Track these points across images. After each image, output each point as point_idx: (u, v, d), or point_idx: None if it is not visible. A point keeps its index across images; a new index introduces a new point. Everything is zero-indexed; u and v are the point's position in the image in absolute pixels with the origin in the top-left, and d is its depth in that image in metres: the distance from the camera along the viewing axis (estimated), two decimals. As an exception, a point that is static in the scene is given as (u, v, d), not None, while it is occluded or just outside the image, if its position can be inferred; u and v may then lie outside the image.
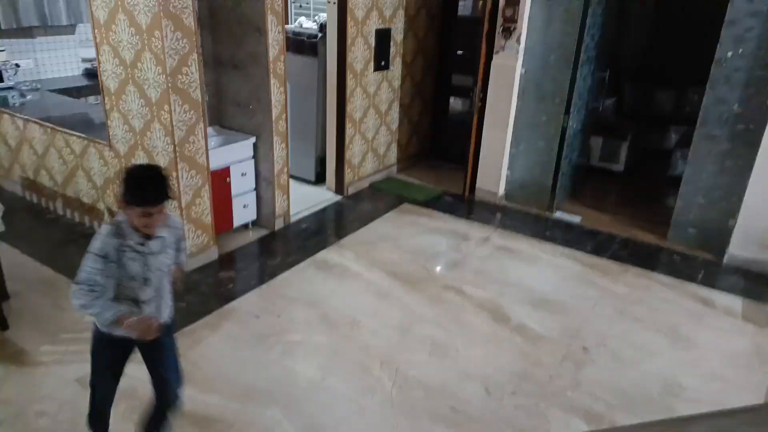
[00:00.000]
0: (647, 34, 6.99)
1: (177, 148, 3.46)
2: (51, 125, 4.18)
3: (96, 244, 1.85)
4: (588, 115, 5.18)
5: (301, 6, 5.65)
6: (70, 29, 5.51)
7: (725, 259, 4.17)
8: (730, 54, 3.85)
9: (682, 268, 4.13)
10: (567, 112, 4.64)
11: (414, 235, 4.48)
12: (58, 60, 5.53)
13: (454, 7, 5.78)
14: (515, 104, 4.81)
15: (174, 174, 3.51)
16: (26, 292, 3.42)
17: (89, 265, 1.84)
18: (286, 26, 4.09)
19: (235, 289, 3.61)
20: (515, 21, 4.51)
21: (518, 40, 4.57)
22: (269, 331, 3.19)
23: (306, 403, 2.67)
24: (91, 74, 5.59)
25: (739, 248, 4.11)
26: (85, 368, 2.76)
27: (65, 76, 5.58)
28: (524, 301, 3.61)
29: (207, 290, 3.59)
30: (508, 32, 4.57)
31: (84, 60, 5.69)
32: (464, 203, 5.18)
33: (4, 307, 3.12)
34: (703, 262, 4.23)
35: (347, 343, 3.14)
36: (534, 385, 2.87)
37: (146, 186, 1.80)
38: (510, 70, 4.69)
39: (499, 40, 4.65)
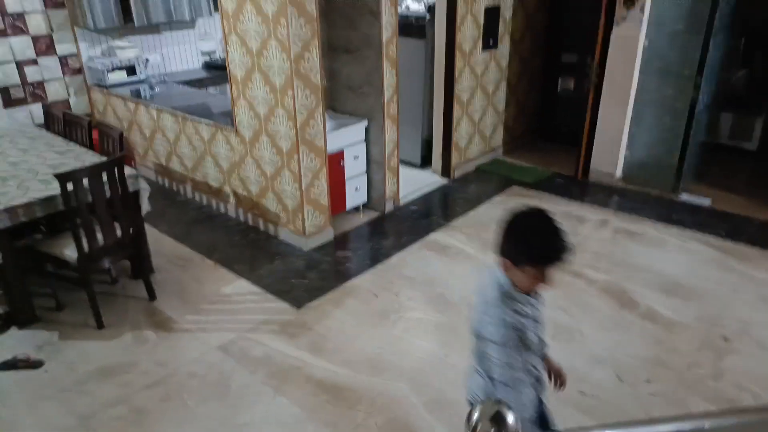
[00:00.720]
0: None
1: (299, 132, 3.60)
2: (182, 113, 4.51)
3: (495, 330, 1.49)
4: (718, 88, 4.75)
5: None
6: (190, 24, 5.90)
7: None
8: None
9: (837, 255, 3.70)
10: (696, 86, 4.28)
11: (526, 217, 4.36)
12: (180, 54, 5.94)
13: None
14: (636, 79, 4.51)
15: (296, 156, 3.66)
16: (168, 267, 3.73)
17: (500, 359, 1.48)
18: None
19: (353, 268, 3.72)
20: (640, -12, 4.22)
21: (642, 9, 4.27)
22: (389, 308, 3.26)
23: (432, 378, 2.71)
24: (210, 66, 5.96)
25: None
26: (225, 336, 3.00)
27: (187, 69, 5.99)
28: (653, 286, 3.41)
29: (327, 268, 3.73)
30: (631, 2, 4.29)
31: (203, 53, 6.07)
32: (577, 185, 4.97)
33: (151, 279, 3.44)
34: None
35: (466, 323, 3.12)
36: (671, 372, 2.71)
37: (557, 239, 1.45)
38: (632, 41, 4.40)
39: (620, 10, 4.37)
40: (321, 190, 3.91)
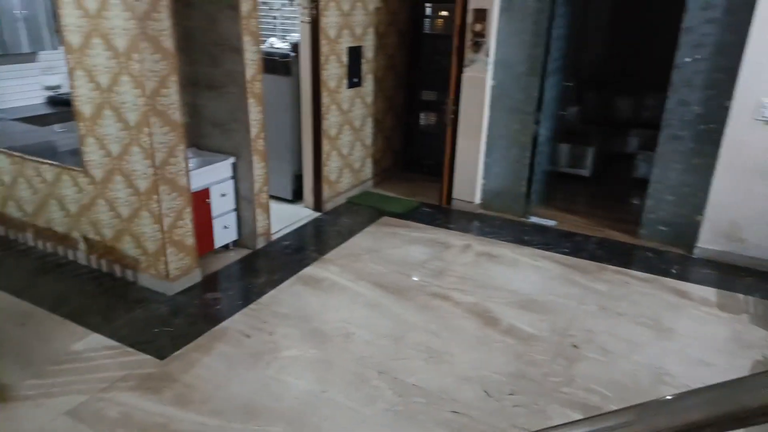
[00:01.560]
0: (604, 45, 7.32)
1: (158, 170, 3.42)
2: (20, 153, 4.06)
3: None
4: (556, 123, 5.37)
5: (274, 27, 5.70)
6: (30, 57, 5.39)
7: (695, 253, 4.37)
8: (688, 59, 4.08)
9: (657, 264, 4.29)
10: (537, 121, 4.80)
11: (396, 246, 4.52)
12: (19, 89, 5.39)
13: (421, 25, 5.93)
14: (487, 115, 4.95)
15: (155, 196, 3.46)
16: (3, 327, 3.28)
17: None
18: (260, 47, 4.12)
19: (223, 310, 3.56)
20: (484, 36, 4.67)
21: (487, 54, 4.72)
22: (263, 349, 3.15)
23: (309, 417, 2.65)
24: (56, 102, 5.47)
25: (707, 242, 4.31)
26: (75, 399, 2.68)
27: (27, 105, 5.43)
28: (511, 303, 3.69)
29: (194, 312, 3.52)
30: (477, 46, 4.73)
31: (47, 88, 5.56)
32: (442, 213, 5.26)
33: (-18, 342, 3.00)
34: (675, 256, 4.41)
35: (342, 354, 3.13)
36: (531, 383, 2.92)
37: None
38: (480, 82, 4.84)
39: (468, 54, 4.80)
40: (185, 230, 3.71)
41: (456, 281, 3.98)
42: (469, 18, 4.71)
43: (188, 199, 3.68)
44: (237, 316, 3.47)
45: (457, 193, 5.30)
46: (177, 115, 3.45)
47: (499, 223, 5.06)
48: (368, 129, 5.63)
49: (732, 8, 3.87)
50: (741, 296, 3.82)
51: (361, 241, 4.63)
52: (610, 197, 5.80)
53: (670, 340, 3.32)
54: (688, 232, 4.41)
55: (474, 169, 5.14)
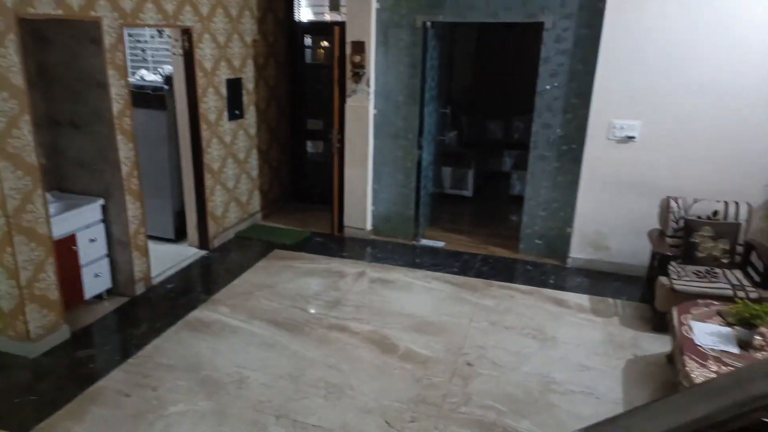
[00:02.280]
0: (473, 72, 7.83)
1: (11, 219, 3.05)
2: None
3: None
4: (436, 147, 5.61)
5: (144, 59, 5.39)
6: None
7: (568, 263, 4.73)
8: (548, 86, 4.47)
9: (536, 276, 4.59)
10: (419, 146, 4.98)
11: (290, 280, 4.41)
12: None
13: (301, 55, 5.95)
14: (372, 143, 5.04)
15: (9, 249, 3.07)
16: None
17: None
18: (128, 80, 3.87)
19: (97, 368, 3.22)
20: (363, 66, 4.78)
21: (368, 84, 4.84)
22: (145, 408, 2.88)
23: (202, 477, 2.45)
24: None
25: (577, 252, 4.69)
26: None
27: None
28: (407, 327, 3.73)
29: (63, 374, 3.15)
30: (357, 77, 4.82)
31: None
32: (334, 242, 5.24)
33: None
34: (551, 267, 4.74)
35: (237, 402, 2.95)
36: (430, 407, 2.95)
37: None
38: (363, 111, 4.93)
39: (350, 85, 4.88)
40: (48, 282, 3.33)
41: (352, 310, 3.95)
42: (348, 50, 4.80)
43: (50, 248, 3.32)
44: (114, 373, 3.15)
45: (348, 220, 5.31)
46: (32, 157, 3.11)
47: (391, 247, 5.14)
48: (253, 161, 5.49)
49: (580, 41, 4.31)
50: (611, 300, 4.18)
51: (252, 277, 4.46)
52: (491, 215, 6.14)
53: (553, 349, 3.54)
54: (560, 244, 4.78)
55: (363, 196, 5.19)
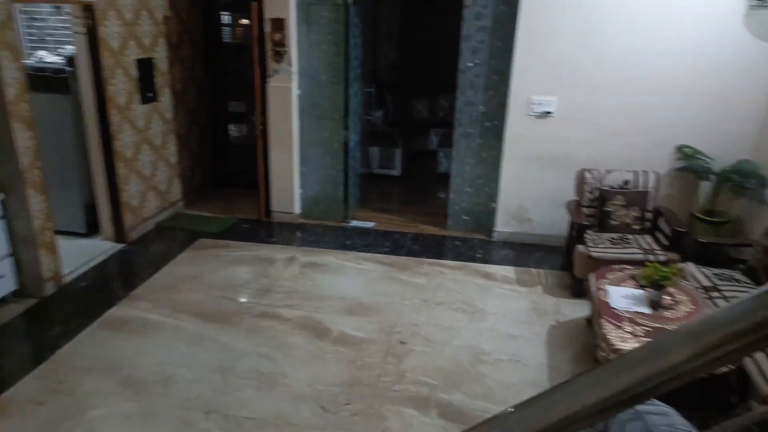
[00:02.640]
0: (396, 50, 7.80)
1: None
2: None
3: None
4: (363, 127, 5.56)
5: (42, 39, 4.94)
6: None
7: (494, 237, 4.88)
8: (469, 64, 4.53)
9: (464, 251, 4.70)
10: (345, 127, 4.92)
11: (216, 269, 4.25)
12: None
13: (219, 34, 5.67)
14: (297, 124, 4.92)
15: None
16: None
17: None
18: (24, 62, 3.53)
19: (5, 377, 2.97)
20: (284, 45, 4.62)
21: (290, 63, 4.69)
22: (62, 415, 2.70)
23: (128, 482, 2.33)
24: None
25: (502, 225, 4.84)
26: None
27: None
28: (340, 310, 3.71)
29: (-35, 388, 2.89)
30: (279, 56, 4.66)
31: None
32: (262, 227, 5.11)
33: None
34: (479, 242, 4.87)
35: (163, 402, 2.83)
36: (365, 388, 2.96)
37: None
38: (286, 92, 4.78)
39: (271, 64, 4.71)
40: (-59, 288, 3.02)
41: (284, 297, 3.88)
42: (267, 27, 4.62)
43: (-60, 250, 3.00)
44: (25, 381, 2.93)
45: (275, 205, 5.18)
46: None
47: (321, 230, 5.07)
48: (171, 146, 5.21)
49: (499, 18, 4.38)
50: (534, 270, 4.35)
51: (176, 269, 4.27)
52: (419, 194, 6.21)
53: (482, 321, 3.64)
54: (486, 219, 4.90)
55: (290, 179, 5.07)
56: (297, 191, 5.15)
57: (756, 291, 0.57)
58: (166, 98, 5.03)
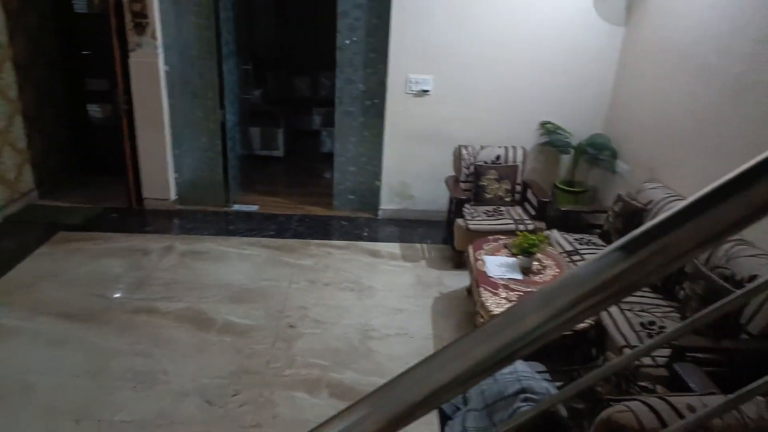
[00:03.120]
0: (275, 27, 7.54)
1: None
2: None
3: None
4: (241, 106, 5.32)
5: None
6: None
7: (380, 215, 4.95)
8: (347, 41, 4.48)
9: (351, 230, 4.73)
10: (221, 106, 4.67)
11: (82, 264, 3.87)
12: None
13: (69, 2, 5.07)
14: (166, 103, 4.58)
15: None
16: None
17: None
18: None
19: None
20: (146, 16, 4.24)
21: (154, 36, 4.32)
22: None
23: None
24: None
25: (387, 203, 4.93)
26: None
27: None
28: (225, 299, 3.56)
29: None
30: (140, 28, 4.27)
31: None
32: (134, 216, 4.73)
33: None
34: (365, 220, 4.92)
35: (23, 413, 2.54)
36: (254, 376, 2.88)
37: None
38: (152, 67, 4.42)
39: (132, 37, 4.31)
40: None
41: (161, 289, 3.64)
42: (125, -4, 4.21)
43: None
44: None
45: (147, 191, 4.81)
46: None
47: (201, 216, 4.81)
48: (18, 129, 4.61)
49: (374, -4, 4.38)
50: (418, 245, 4.50)
51: (32, 266, 3.82)
52: (304, 174, 6.12)
53: (370, 298, 3.70)
54: (371, 197, 4.96)
55: (162, 163, 4.73)
56: (171, 175, 4.82)
57: (599, 253, 0.61)
58: (8, 75, 4.42)
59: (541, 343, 0.65)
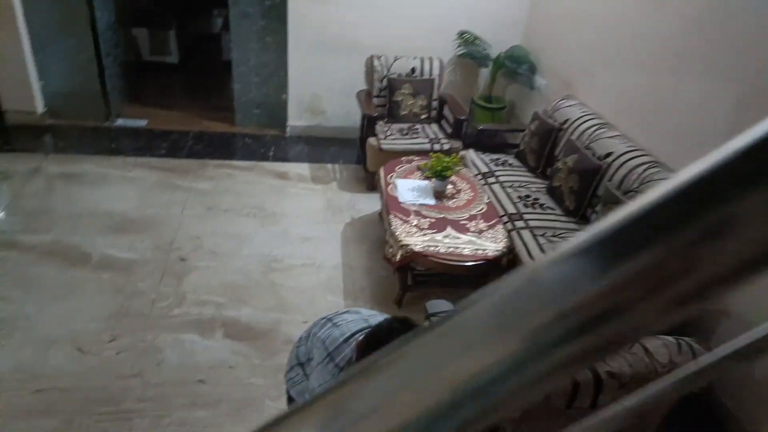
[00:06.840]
0: None
1: None
2: None
3: None
4: (121, 3, 4.52)
5: None
6: None
7: (287, 132, 4.53)
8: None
9: (256, 149, 4.30)
10: (89, 3, 3.90)
11: None
12: None
13: None
14: (20, 1, 3.76)
15: None
16: None
17: None
18: None
19: None
20: None
21: None
22: None
23: None
24: None
25: (295, 119, 4.50)
26: None
27: None
28: (104, 229, 3.12)
29: None
30: None
31: None
32: (-8, 133, 4.01)
33: None
34: (271, 138, 4.48)
35: None
36: (135, 319, 2.55)
37: None
38: (-9, -54, 3.55)
39: None
40: None
41: (24, 220, 3.12)
42: None
43: None
44: None
45: (6, 102, 4.06)
46: None
47: (78, 133, 4.17)
48: None
49: None
50: (329, 166, 4.17)
51: None
52: (203, 85, 5.47)
53: (275, 225, 3.39)
54: (278, 113, 4.50)
55: (22, 69, 3.97)
56: (36, 84, 4.08)
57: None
58: None
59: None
